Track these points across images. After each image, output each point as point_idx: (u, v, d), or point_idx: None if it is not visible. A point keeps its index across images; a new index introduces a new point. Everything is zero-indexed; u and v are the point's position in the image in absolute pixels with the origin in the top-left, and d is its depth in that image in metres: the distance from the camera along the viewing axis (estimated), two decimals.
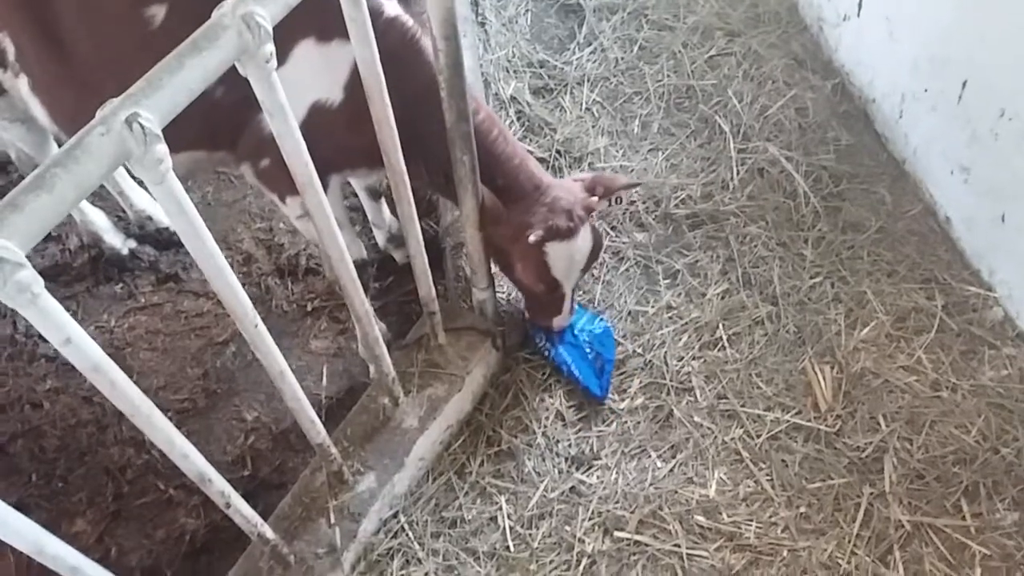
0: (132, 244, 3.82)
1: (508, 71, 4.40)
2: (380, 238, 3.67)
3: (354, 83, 2.32)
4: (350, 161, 2.62)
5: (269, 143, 1.86)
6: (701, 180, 3.74)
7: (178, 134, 2.61)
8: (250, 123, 2.42)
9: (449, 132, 2.32)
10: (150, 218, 3.84)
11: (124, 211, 3.90)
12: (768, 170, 3.70)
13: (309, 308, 3.65)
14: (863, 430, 2.89)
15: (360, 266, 3.04)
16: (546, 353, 3.09)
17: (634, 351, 3.17)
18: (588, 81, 4.34)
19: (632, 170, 3.86)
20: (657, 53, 4.45)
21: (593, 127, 4.10)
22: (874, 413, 2.93)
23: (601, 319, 3.19)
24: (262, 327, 1.86)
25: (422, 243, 2.48)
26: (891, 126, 3.84)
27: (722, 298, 3.32)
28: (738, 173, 3.71)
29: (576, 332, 3.06)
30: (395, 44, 2.32)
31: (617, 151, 3.99)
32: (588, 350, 3.04)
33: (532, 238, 2.44)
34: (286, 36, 2.22)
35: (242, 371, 3.54)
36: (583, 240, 2.58)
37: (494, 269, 2.94)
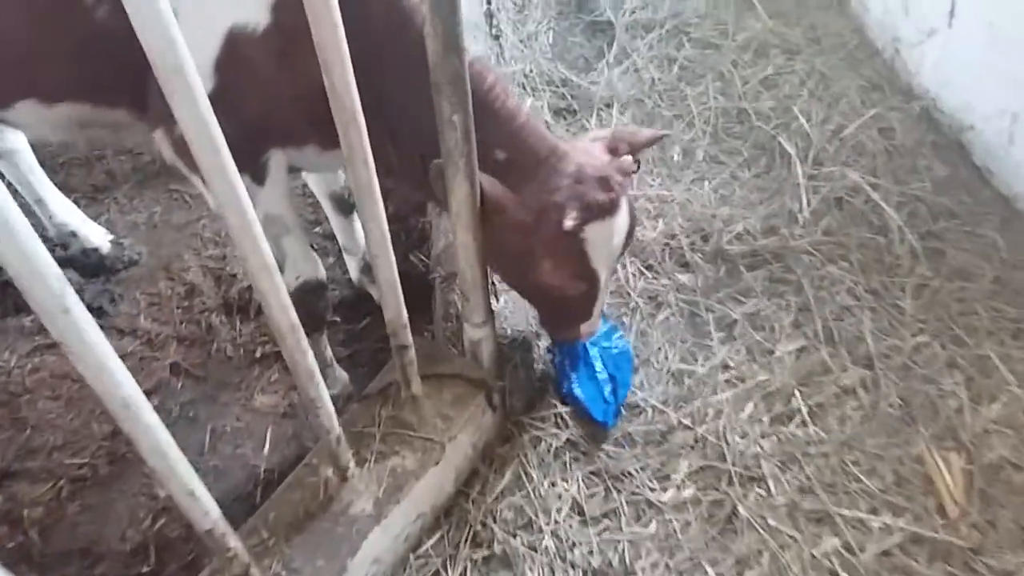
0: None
1: (524, 87, 3.71)
2: (353, 268, 2.91)
3: (286, 3, 1.64)
4: (289, 125, 1.88)
5: None
6: (761, 212, 2.97)
7: (47, 74, 1.92)
8: None
9: (433, 75, 1.58)
10: (74, 234, 3.11)
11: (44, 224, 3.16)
12: (849, 200, 2.94)
13: (258, 354, 2.91)
14: (1011, 545, 2.02)
15: (316, 289, 2.27)
16: (550, 357, 2.45)
17: (679, 422, 2.34)
18: (618, 103, 3.65)
19: (673, 200, 3.10)
20: (701, 73, 3.78)
21: None
22: (1022, 520, 2.06)
23: (620, 335, 2.48)
24: (79, 315, 1.09)
25: (386, 230, 1.68)
26: (997, 156, 3.08)
27: (797, 357, 2.51)
28: (809, 203, 2.94)
29: (588, 345, 2.35)
30: None
31: (653, 180, 3.25)
32: (599, 369, 2.33)
33: (569, 222, 1.80)
34: None
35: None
36: (624, 214, 1.94)
37: (496, 304, 2.17)
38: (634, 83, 3.79)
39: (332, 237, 3.05)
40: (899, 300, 2.64)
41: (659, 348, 2.57)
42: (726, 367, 2.50)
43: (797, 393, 2.39)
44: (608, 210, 1.86)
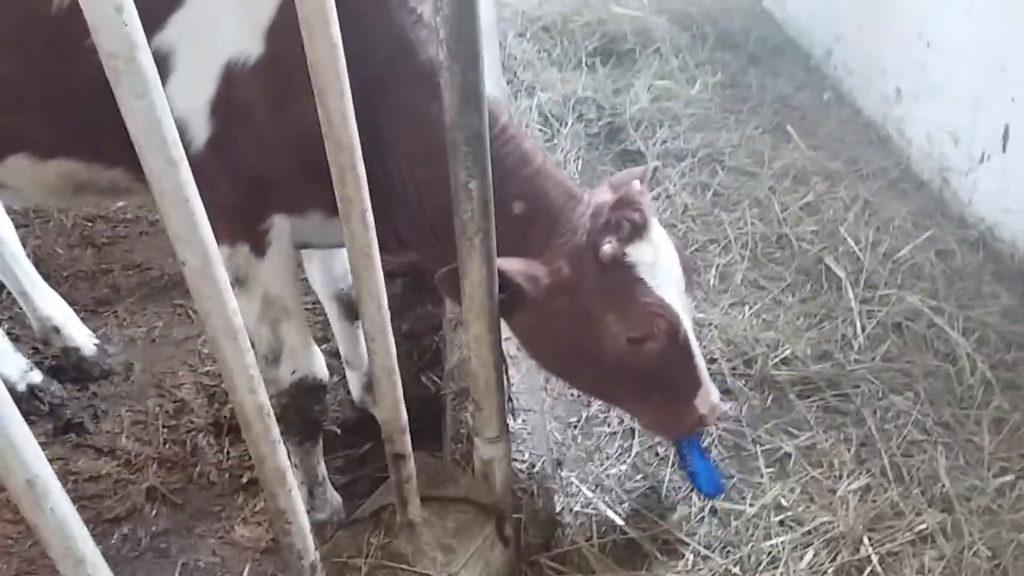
0: (35, 378, 2.83)
1: None
2: (355, 386, 2.64)
3: (281, 31, 1.54)
4: (289, 180, 1.69)
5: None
6: (810, 337, 2.70)
7: (40, 125, 1.74)
8: None
9: (449, 130, 1.38)
10: (57, 330, 2.90)
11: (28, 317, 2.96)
12: (909, 325, 2.67)
13: (245, 480, 2.62)
14: None
15: (314, 389, 1.98)
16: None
17: (728, 571, 1.97)
18: None
19: (711, 324, 2.84)
20: (736, 200, 3.61)
21: None
22: None
23: None
24: None
25: (384, 304, 1.42)
26: None
27: (862, 498, 2.16)
28: (864, 329, 2.66)
29: None
30: None
31: None
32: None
33: (607, 248, 1.64)
34: None
35: (129, 563, 2.42)
36: (660, 232, 1.76)
37: (512, 424, 1.88)
38: (666, 208, 3.62)
39: (337, 355, 2.80)
40: (975, 435, 2.31)
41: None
42: (780, 507, 2.15)
43: (866, 539, 2.02)
44: (640, 226, 1.69)
